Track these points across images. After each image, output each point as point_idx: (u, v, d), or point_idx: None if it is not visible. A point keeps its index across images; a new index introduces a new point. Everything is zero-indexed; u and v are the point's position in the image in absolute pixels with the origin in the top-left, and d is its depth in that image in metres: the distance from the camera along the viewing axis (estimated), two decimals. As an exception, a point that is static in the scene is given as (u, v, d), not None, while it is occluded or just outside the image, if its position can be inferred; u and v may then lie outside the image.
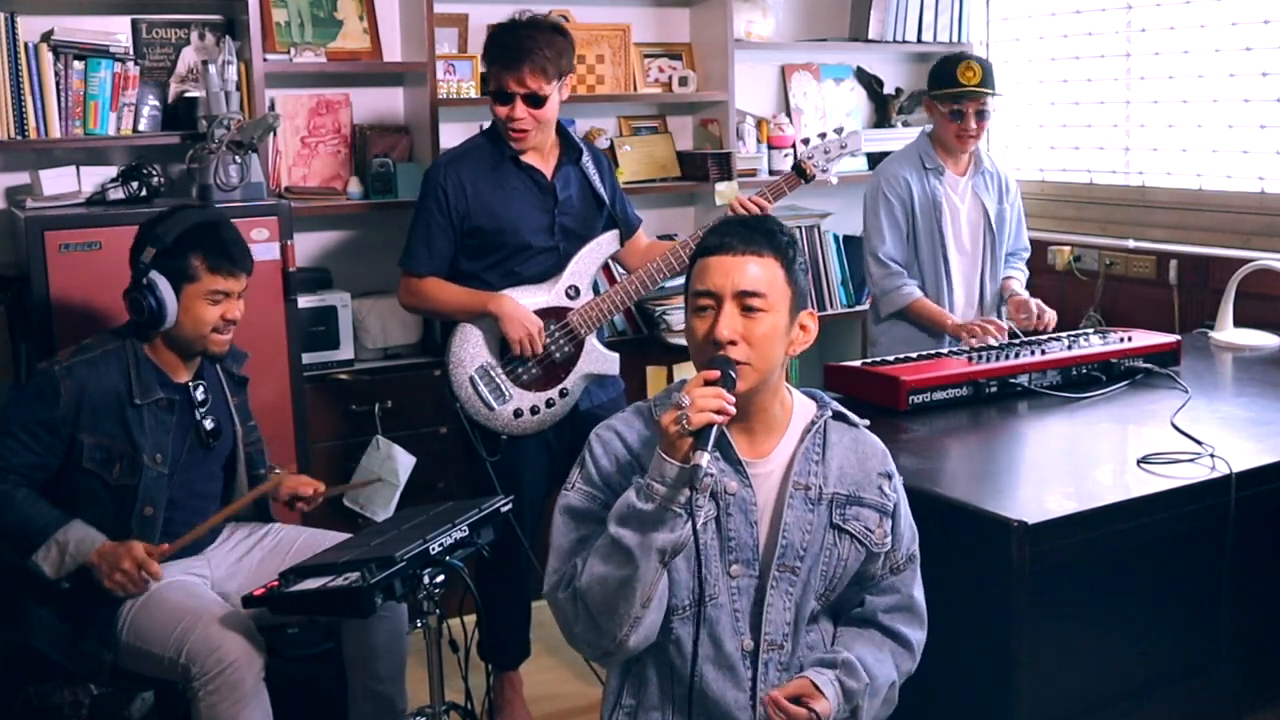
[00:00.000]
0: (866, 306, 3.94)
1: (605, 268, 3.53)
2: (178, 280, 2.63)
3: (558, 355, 3.14)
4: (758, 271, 1.90)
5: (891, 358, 3.17)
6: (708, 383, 1.82)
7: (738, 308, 1.89)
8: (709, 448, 1.78)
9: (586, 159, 3.24)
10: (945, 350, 3.25)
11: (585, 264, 3.19)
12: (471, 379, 3.12)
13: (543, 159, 3.19)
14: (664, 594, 1.89)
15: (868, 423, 2.08)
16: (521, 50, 3.04)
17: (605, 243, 3.23)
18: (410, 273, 3.17)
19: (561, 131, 3.23)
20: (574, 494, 1.97)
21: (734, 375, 1.85)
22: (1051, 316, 3.58)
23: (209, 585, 2.73)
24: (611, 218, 3.27)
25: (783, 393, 2.00)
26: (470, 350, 3.13)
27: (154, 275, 2.62)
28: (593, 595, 1.85)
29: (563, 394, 3.16)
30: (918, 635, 2.04)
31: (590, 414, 3.17)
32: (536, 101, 3.06)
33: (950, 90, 3.58)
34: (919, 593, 2.06)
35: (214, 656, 2.47)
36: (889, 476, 2.03)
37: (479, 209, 3.12)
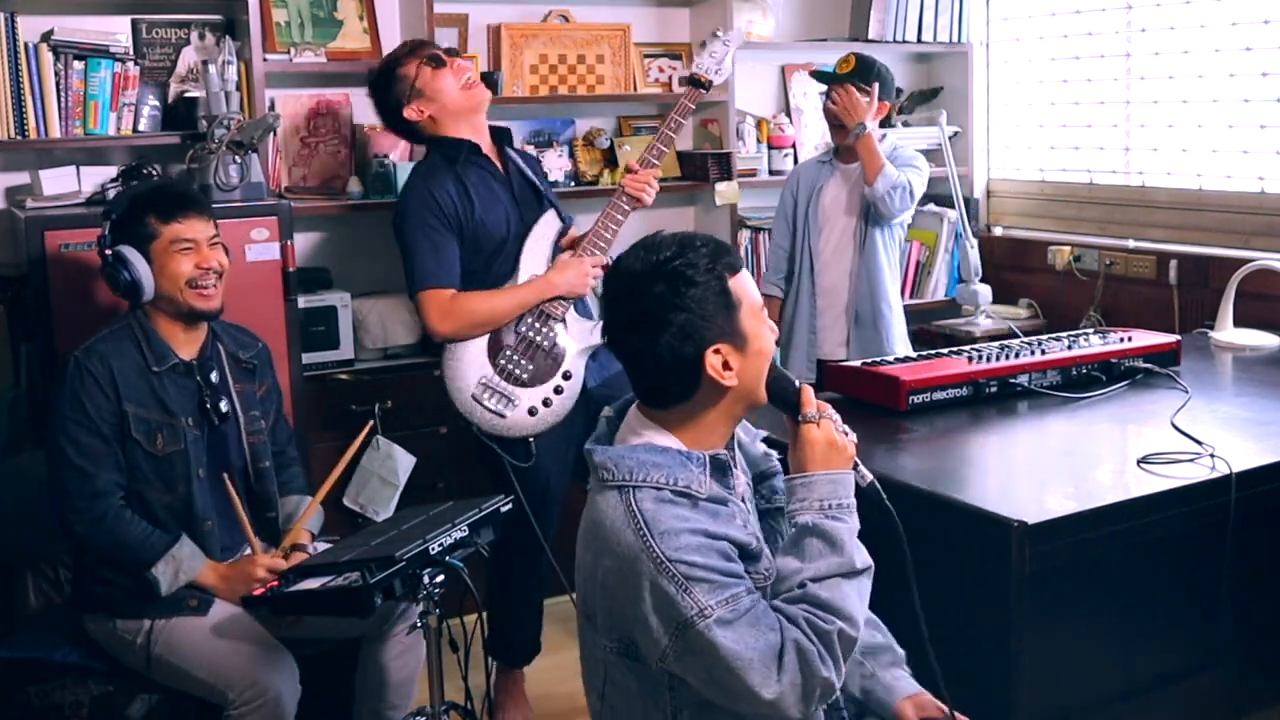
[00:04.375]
0: None
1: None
2: (142, 244, 2.66)
3: (544, 344, 3.13)
4: None
5: (891, 358, 3.17)
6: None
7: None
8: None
9: (514, 151, 3.29)
10: (945, 351, 3.25)
11: (534, 253, 3.16)
12: (474, 396, 3.08)
13: (489, 149, 3.22)
14: None
15: None
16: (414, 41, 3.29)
17: (547, 222, 3.21)
18: (436, 290, 3.06)
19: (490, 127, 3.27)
20: (723, 611, 1.69)
21: None
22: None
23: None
24: (548, 202, 3.27)
25: None
26: (464, 368, 3.09)
27: (120, 247, 2.66)
28: (858, 622, 1.77)
29: (567, 377, 3.13)
30: None
31: (601, 392, 3.12)
32: (455, 52, 3.23)
33: (825, 73, 3.79)
34: None
35: (255, 688, 2.47)
36: (758, 435, 2.04)
37: (466, 214, 3.11)
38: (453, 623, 2.43)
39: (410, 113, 3.17)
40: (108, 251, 2.67)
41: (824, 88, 3.82)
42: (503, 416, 3.08)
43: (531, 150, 4.15)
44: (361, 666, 2.75)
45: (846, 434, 1.85)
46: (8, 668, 2.78)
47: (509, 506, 2.59)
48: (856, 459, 1.87)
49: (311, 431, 3.56)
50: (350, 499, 3.73)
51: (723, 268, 1.82)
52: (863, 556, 1.81)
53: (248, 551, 2.73)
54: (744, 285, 1.84)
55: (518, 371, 3.10)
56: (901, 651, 2.02)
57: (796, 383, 1.87)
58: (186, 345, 2.72)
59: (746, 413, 1.90)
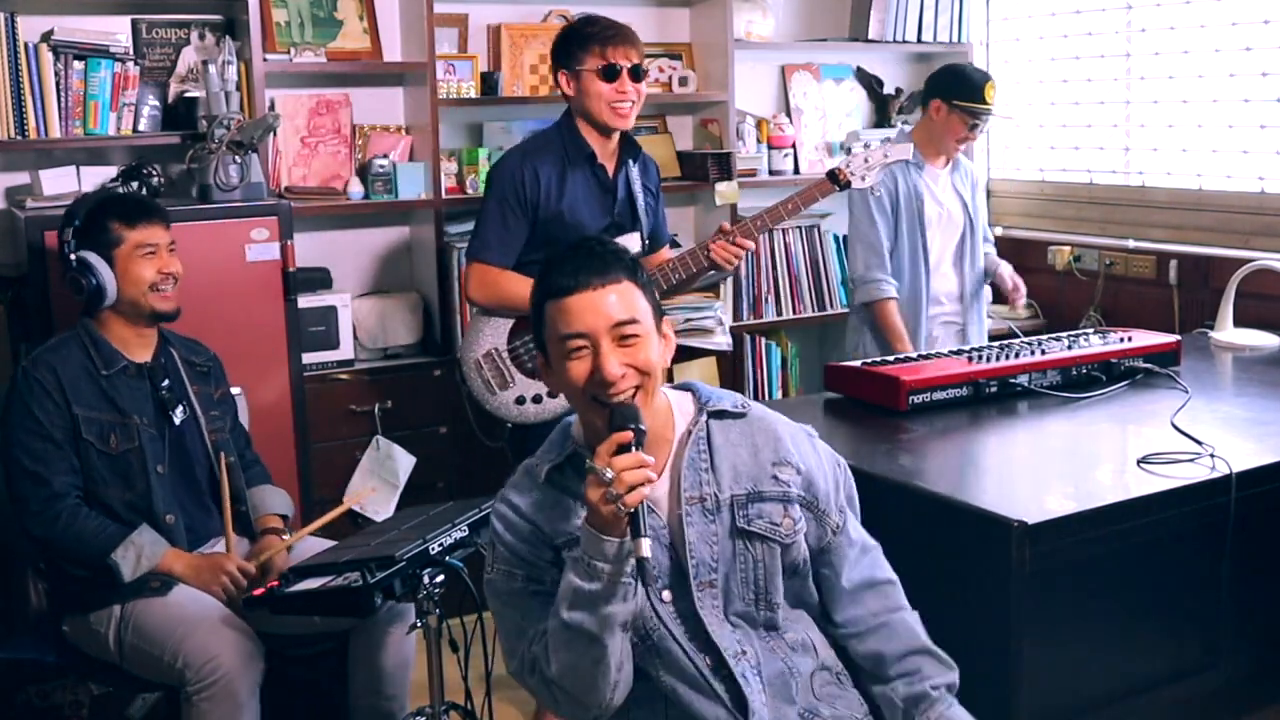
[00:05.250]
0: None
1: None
2: (105, 249, 2.71)
3: None
4: (625, 299, 1.83)
5: (891, 358, 3.17)
6: (621, 446, 1.72)
7: (614, 341, 1.81)
8: (644, 532, 1.70)
9: (635, 164, 3.27)
10: (945, 351, 3.25)
11: None
12: (477, 362, 3.16)
13: (608, 158, 3.22)
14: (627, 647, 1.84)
15: (747, 403, 2.00)
16: (621, 27, 3.17)
17: (624, 242, 3.21)
18: (486, 264, 3.15)
19: (623, 134, 3.26)
20: (495, 575, 1.91)
21: (644, 428, 1.77)
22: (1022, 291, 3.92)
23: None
24: (638, 222, 3.28)
25: (661, 399, 1.91)
26: (482, 335, 3.17)
27: (83, 253, 2.70)
28: (568, 682, 1.81)
29: None
30: (887, 566, 2.03)
31: None
32: (640, 74, 3.16)
33: (977, 105, 3.72)
34: (865, 536, 2.02)
35: (210, 664, 2.47)
36: (785, 463, 1.94)
37: (549, 204, 3.14)
38: (452, 623, 2.43)
39: (561, 78, 3.19)
40: (72, 257, 2.71)
41: (823, 89, 3.82)
42: (493, 392, 3.15)
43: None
44: (352, 660, 2.75)
45: (615, 502, 1.70)
46: (8, 668, 2.79)
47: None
48: (638, 536, 1.71)
49: (312, 431, 3.55)
50: (350, 499, 3.73)
51: (554, 288, 1.82)
52: (573, 619, 1.75)
53: (218, 547, 2.76)
54: (559, 314, 1.82)
55: (526, 359, 3.15)
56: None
57: (624, 429, 1.75)
58: (139, 350, 2.76)
59: (598, 421, 1.82)
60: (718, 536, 1.89)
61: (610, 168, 3.23)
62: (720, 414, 1.96)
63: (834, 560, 2.00)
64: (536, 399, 3.15)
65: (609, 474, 1.70)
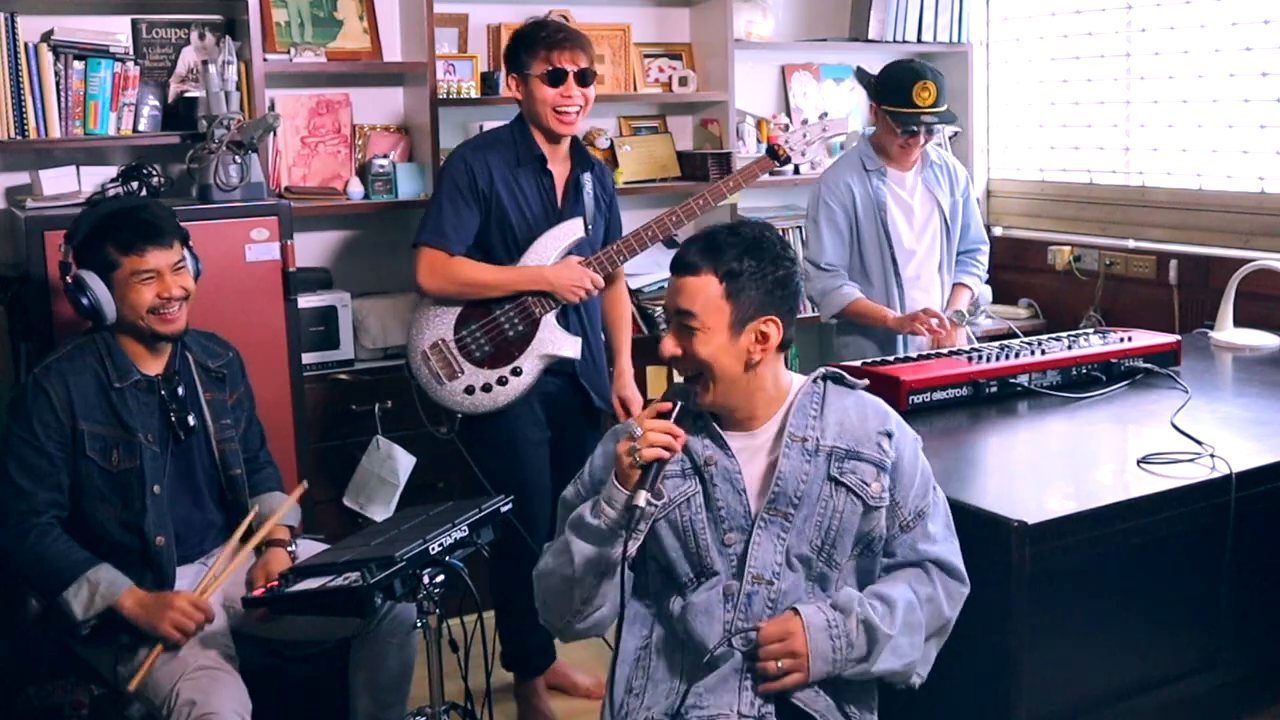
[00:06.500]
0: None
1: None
2: (104, 272, 2.61)
3: (510, 333, 3.14)
4: (689, 291, 2.00)
5: (891, 358, 3.17)
6: (660, 414, 1.94)
7: (676, 325, 2.02)
8: (649, 486, 1.90)
9: (589, 176, 3.25)
10: (945, 350, 3.25)
11: (543, 248, 3.16)
12: (424, 353, 3.15)
13: (559, 164, 3.20)
14: (614, 595, 1.98)
15: (866, 383, 2.15)
16: (569, 31, 3.15)
17: (566, 230, 3.18)
18: (439, 250, 3.10)
19: (575, 143, 3.25)
20: (570, 490, 2.12)
21: (691, 405, 1.98)
22: (958, 338, 3.57)
23: (220, 595, 2.70)
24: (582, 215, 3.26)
25: (769, 385, 2.06)
26: (428, 326, 3.16)
27: (81, 272, 2.61)
28: (541, 583, 2.05)
29: (515, 373, 3.14)
30: (944, 579, 2.07)
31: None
32: (588, 79, 3.14)
33: (902, 110, 3.47)
34: (938, 548, 2.08)
35: (190, 710, 2.41)
36: (889, 435, 2.08)
37: (499, 196, 3.12)
38: (452, 623, 2.43)
39: (510, 82, 3.19)
40: (68, 278, 2.62)
41: (823, 89, 3.80)
42: (440, 383, 3.14)
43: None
44: (354, 666, 2.74)
45: (633, 455, 1.90)
46: (8, 668, 2.78)
47: (509, 507, 2.59)
48: (641, 488, 1.90)
49: (312, 431, 3.55)
50: (350, 499, 3.73)
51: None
52: (570, 539, 1.97)
53: (214, 555, 2.74)
54: (669, 288, 2.05)
55: (474, 348, 3.14)
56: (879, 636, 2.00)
57: (669, 401, 1.98)
58: (152, 362, 2.69)
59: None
60: (808, 476, 2.02)
61: (561, 175, 3.20)
62: (839, 379, 2.13)
63: (893, 549, 2.09)
64: (486, 387, 3.14)
65: (638, 430, 1.91)
